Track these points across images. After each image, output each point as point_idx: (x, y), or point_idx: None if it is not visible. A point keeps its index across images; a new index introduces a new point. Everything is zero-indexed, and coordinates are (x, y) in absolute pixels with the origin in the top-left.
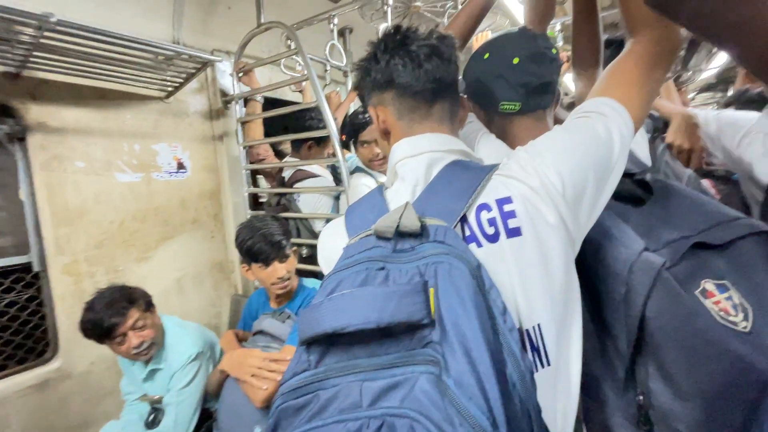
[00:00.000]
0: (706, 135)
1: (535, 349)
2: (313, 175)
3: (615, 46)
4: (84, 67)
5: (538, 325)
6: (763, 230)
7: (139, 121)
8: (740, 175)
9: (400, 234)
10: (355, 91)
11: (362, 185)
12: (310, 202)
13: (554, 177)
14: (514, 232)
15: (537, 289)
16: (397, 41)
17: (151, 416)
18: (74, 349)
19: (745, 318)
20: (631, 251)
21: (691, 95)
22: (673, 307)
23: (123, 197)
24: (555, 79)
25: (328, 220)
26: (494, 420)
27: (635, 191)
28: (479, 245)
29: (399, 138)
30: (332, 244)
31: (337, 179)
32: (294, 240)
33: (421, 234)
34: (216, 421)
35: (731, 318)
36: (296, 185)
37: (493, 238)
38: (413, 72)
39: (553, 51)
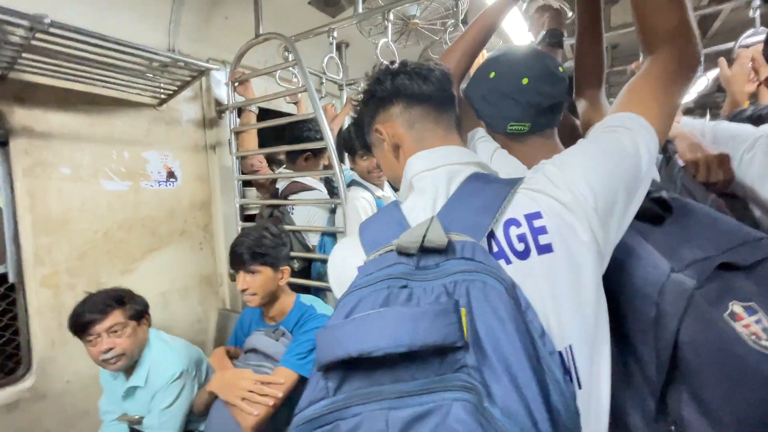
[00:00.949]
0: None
1: (567, 372)
2: (308, 188)
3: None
4: (75, 71)
5: (570, 346)
6: None
7: (129, 127)
8: (744, 195)
9: (424, 250)
10: (351, 104)
11: (360, 198)
12: (304, 214)
13: (586, 190)
14: (545, 249)
15: (568, 308)
16: (397, 67)
17: None
18: (49, 367)
19: None
20: (660, 272)
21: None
22: (708, 331)
23: (109, 206)
24: (565, 98)
25: (322, 234)
26: None
27: (654, 209)
28: (508, 262)
29: (411, 149)
30: (345, 263)
31: (332, 192)
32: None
33: (447, 250)
34: None
35: (763, 342)
36: (291, 197)
37: (524, 255)
38: (420, 83)
39: (561, 70)
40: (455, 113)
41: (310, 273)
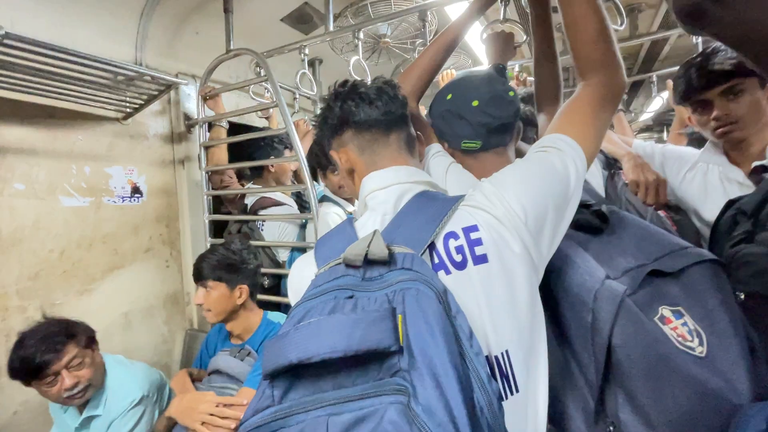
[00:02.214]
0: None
1: (504, 376)
2: (278, 203)
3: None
4: (32, 83)
5: (506, 351)
6: (709, 258)
7: (91, 142)
8: (686, 209)
9: (369, 262)
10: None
11: (332, 214)
12: (274, 230)
13: (517, 207)
14: (480, 260)
15: (504, 315)
16: (346, 89)
17: None
18: None
19: (701, 343)
20: (595, 279)
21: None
22: (637, 334)
23: (66, 223)
24: (513, 119)
25: (292, 249)
26: None
27: (593, 221)
28: (447, 272)
29: (364, 172)
30: (301, 275)
31: (302, 207)
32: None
33: (389, 262)
34: None
35: (688, 343)
36: (260, 213)
37: (461, 266)
38: (366, 109)
39: (510, 94)
40: (406, 132)
41: (280, 289)
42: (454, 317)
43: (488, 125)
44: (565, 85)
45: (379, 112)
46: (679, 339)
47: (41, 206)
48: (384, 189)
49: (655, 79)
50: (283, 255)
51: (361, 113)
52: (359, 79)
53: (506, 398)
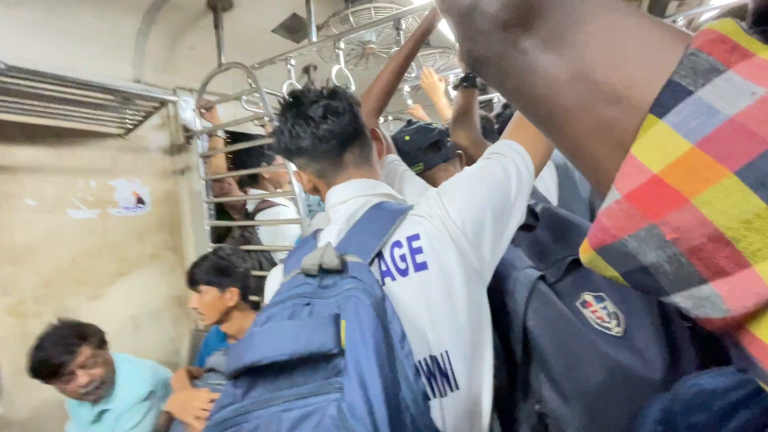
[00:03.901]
0: None
1: (444, 375)
2: (273, 204)
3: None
4: (38, 107)
5: (446, 351)
6: None
7: (95, 158)
8: None
9: (325, 271)
10: None
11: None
12: (270, 233)
13: (455, 215)
14: (421, 266)
15: (443, 318)
16: (293, 109)
17: None
18: (16, 395)
19: (618, 324)
20: (515, 269)
21: None
22: (549, 315)
23: (76, 234)
24: (437, 137)
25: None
26: None
27: (527, 220)
28: (393, 279)
29: (326, 189)
30: (272, 287)
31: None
32: (256, 273)
33: (342, 270)
34: None
35: (605, 324)
36: (258, 215)
37: (404, 272)
38: (314, 135)
39: (432, 125)
40: (360, 144)
41: None
42: (389, 322)
43: (420, 147)
44: None
45: (327, 136)
46: (598, 321)
47: (52, 219)
48: (344, 203)
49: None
50: (281, 257)
51: (310, 141)
52: (306, 87)
53: (445, 395)
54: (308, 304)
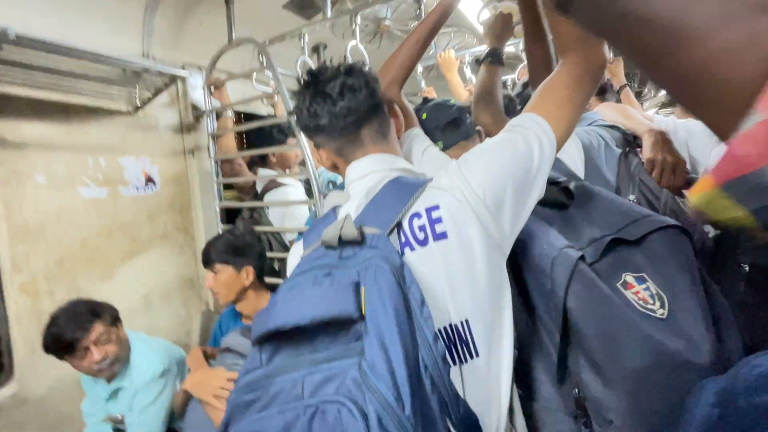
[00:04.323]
0: (675, 145)
1: (464, 342)
2: (281, 185)
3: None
4: (47, 80)
5: (466, 320)
6: (669, 224)
7: (105, 135)
8: None
9: (344, 243)
10: None
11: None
12: (278, 214)
13: (476, 186)
14: (440, 236)
15: (463, 287)
16: (311, 87)
17: None
18: (31, 373)
19: (662, 306)
20: (553, 248)
21: (651, 111)
22: (591, 297)
23: (87, 213)
24: (457, 114)
25: (300, 234)
26: (399, 394)
27: (559, 197)
28: (412, 249)
29: (345, 166)
30: (294, 261)
31: (310, 193)
32: (268, 254)
33: (361, 241)
34: None
35: (649, 306)
36: (266, 195)
37: (424, 242)
38: (331, 113)
39: (452, 101)
40: (378, 120)
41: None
42: (408, 287)
43: (439, 126)
44: None
45: (344, 113)
46: (640, 302)
47: (62, 198)
48: (362, 178)
49: (606, 62)
50: (290, 238)
51: (327, 119)
52: (327, 63)
53: (466, 362)
54: (329, 274)
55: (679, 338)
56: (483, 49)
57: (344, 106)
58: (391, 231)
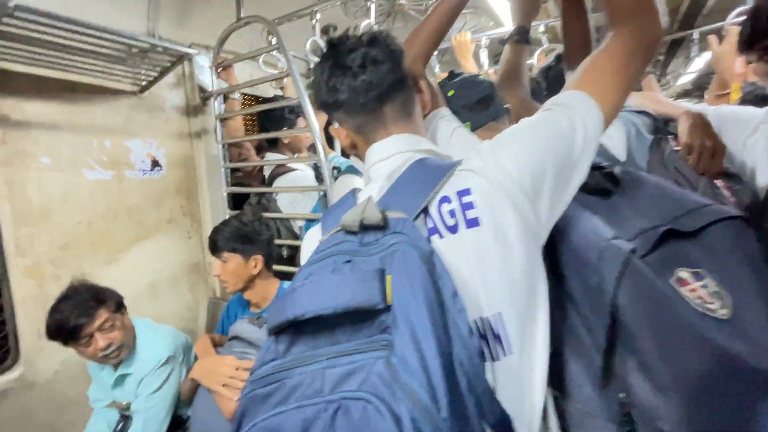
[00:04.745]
0: None
1: (497, 337)
2: (291, 170)
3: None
4: (49, 57)
5: (500, 313)
6: (732, 215)
7: (110, 116)
8: (747, 177)
9: (365, 228)
10: None
11: (349, 186)
12: (287, 200)
13: (512, 169)
14: (472, 223)
15: (497, 278)
16: (330, 59)
17: (120, 424)
18: (37, 357)
19: (723, 305)
20: (601, 239)
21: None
22: (646, 294)
23: (92, 196)
24: (488, 92)
25: (308, 220)
26: (434, 394)
27: (603, 184)
28: (441, 236)
29: (365, 146)
30: (310, 247)
31: (319, 178)
32: (277, 241)
33: (384, 227)
34: (188, 429)
35: (708, 305)
36: (275, 181)
37: (453, 229)
38: (351, 87)
39: (480, 76)
40: (403, 97)
41: (297, 260)
42: (438, 276)
43: (467, 105)
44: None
45: (366, 88)
46: (698, 301)
47: (67, 179)
48: (385, 160)
49: (696, 36)
50: (300, 224)
51: (347, 92)
52: (345, 34)
53: (498, 359)
54: (349, 260)
55: (744, 342)
56: (500, 32)
57: (366, 80)
58: (417, 216)
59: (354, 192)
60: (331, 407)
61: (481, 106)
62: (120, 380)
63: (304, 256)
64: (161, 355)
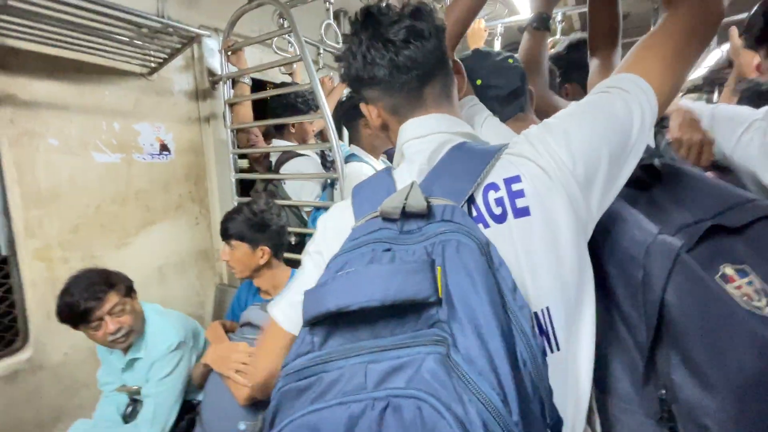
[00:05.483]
0: None
1: (544, 333)
2: (297, 155)
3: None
4: (58, 36)
5: (547, 308)
6: None
7: (119, 97)
8: (742, 174)
9: (407, 215)
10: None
11: (363, 175)
12: (295, 187)
13: (565, 156)
14: (522, 212)
15: (545, 271)
16: (369, 29)
17: (129, 408)
18: (46, 339)
19: None
20: (647, 234)
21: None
22: (696, 291)
23: (100, 179)
24: (520, 82)
25: (316, 209)
26: (505, 396)
27: (641, 176)
28: (486, 226)
29: (398, 126)
30: (339, 217)
31: (326, 166)
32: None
33: (427, 214)
34: (199, 415)
35: (755, 303)
36: (282, 167)
37: (501, 218)
38: (393, 63)
39: (510, 61)
40: (443, 79)
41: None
42: (497, 269)
43: (498, 96)
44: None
45: (409, 66)
46: (744, 299)
47: (76, 162)
48: (422, 138)
49: (724, 12)
50: (308, 210)
51: (388, 69)
52: (385, 4)
53: (545, 355)
54: (388, 249)
55: None
56: (515, 20)
57: (410, 56)
58: (464, 203)
59: (389, 170)
60: (379, 405)
61: (512, 97)
62: (130, 364)
63: (325, 239)
64: (172, 340)
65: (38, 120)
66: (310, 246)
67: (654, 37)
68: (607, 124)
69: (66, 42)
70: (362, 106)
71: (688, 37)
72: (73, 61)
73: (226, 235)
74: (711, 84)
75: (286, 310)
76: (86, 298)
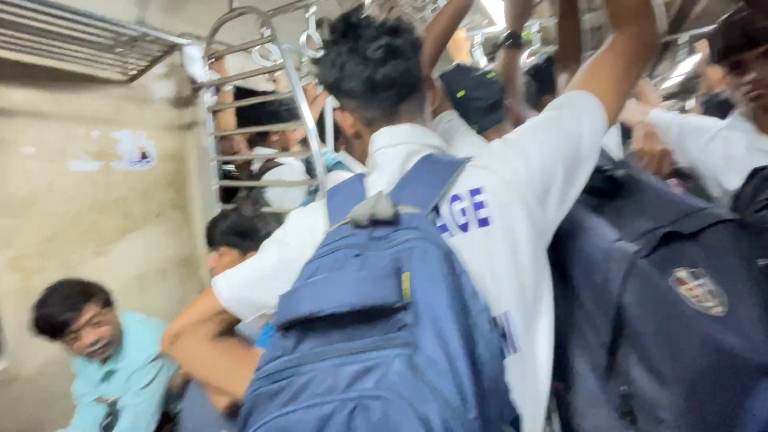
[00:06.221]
0: (667, 139)
1: (504, 336)
2: (278, 164)
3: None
4: (34, 43)
5: (506, 312)
6: (728, 219)
7: (98, 105)
8: (707, 181)
9: (375, 222)
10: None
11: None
12: (278, 194)
13: (522, 169)
14: (483, 222)
15: (505, 277)
16: (349, 42)
17: (107, 419)
18: (23, 350)
19: (720, 303)
20: (607, 240)
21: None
22: (649, 293)
23: (79, 187)
24: (499, 95)
25: None
26: (464, 396)
27: (605, 186)
28: (451, 235)
29: (371, 134)
30: (312, 214)
31: (310, 172)
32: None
33: (395, 222)
34: (178, 424)
35: (704, 303)
36: (264, 176)
37: (464, 228)
38: (370, 79)
39: (490, 75)
40: (419, 98)
41: None
42: (458, 276)
43: (479, 108)
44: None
45: (386, 83)
46: (694, 299)
47: (53, 170)
48: (393, 147)
49: (687, 38)
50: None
51: (364, 86)
52: (365, 15)
53: (506, 357)
54: (359, 255)
55: (738, 337)
56: (495, 30)
57: (387, 74)
58: (429, 212)
59: (361, 177)
60: (348, 405)
61: (492, 109)
62: (108, 375)
63: (294, 230)
64: (151, 351)
65: (13, 128)
66: (278, 233)
67: (602, 57)
68: (559, 138)
69: (43, 50)
70: (337, 113)
71: (631, 58)
72: (51, 68)
73: (213, 241)
74: (685, 92)
75: (233, 284)
76: (63, 310)
